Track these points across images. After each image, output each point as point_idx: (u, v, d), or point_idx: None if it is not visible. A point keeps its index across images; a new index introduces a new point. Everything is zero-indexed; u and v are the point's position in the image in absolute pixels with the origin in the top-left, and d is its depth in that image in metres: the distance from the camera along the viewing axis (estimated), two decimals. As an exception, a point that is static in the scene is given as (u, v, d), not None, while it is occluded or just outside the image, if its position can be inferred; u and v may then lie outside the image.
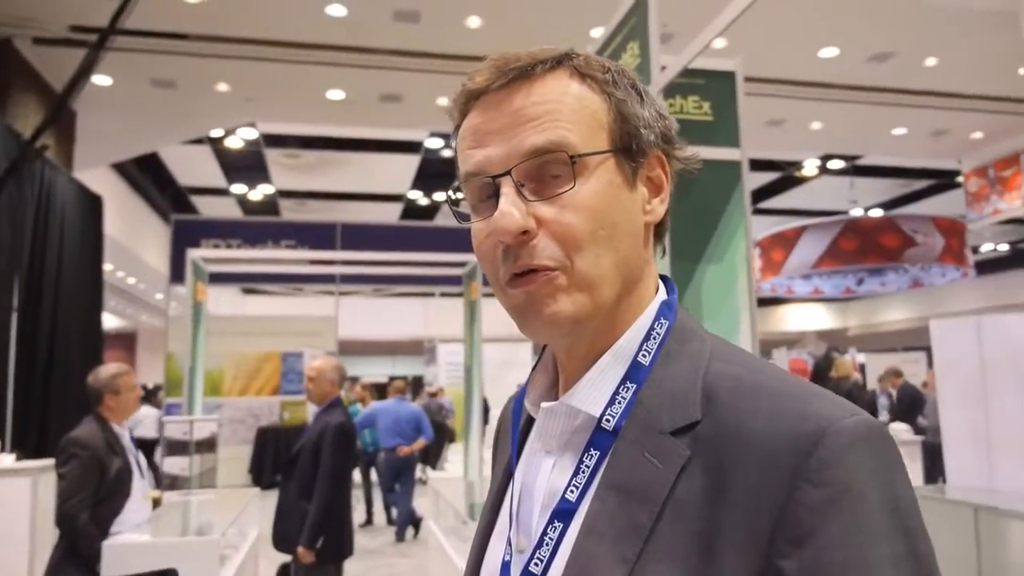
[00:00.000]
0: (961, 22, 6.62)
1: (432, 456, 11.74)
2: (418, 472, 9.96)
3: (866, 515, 0.54)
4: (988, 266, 18.36)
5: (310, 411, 10.61)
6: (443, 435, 12.32)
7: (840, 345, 18.32)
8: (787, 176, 12.52)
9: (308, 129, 10.13)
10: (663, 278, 0.75)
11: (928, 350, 7.56)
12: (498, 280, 0.68)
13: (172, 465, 5.00)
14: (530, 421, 0.77)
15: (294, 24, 6.67)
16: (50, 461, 4.78)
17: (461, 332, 7.78)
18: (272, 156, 11.31)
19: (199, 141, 10.24)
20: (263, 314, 14.61)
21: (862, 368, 13.88)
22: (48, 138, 6.74)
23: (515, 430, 0.79)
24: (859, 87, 7.98)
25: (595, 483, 0.64)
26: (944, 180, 12.73)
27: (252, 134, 10.20)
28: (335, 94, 8.00)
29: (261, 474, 10.85)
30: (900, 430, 8.11)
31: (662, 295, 0.73)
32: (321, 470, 3.89)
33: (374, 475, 9.35)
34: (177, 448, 5.03)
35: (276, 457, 10.73)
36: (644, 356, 0.68)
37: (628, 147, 0.69)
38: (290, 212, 14.66)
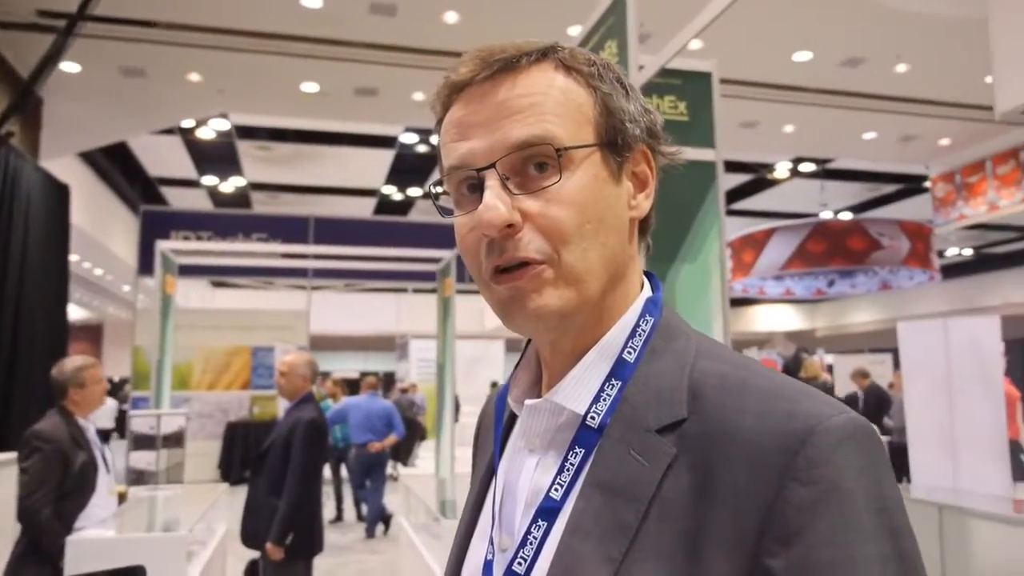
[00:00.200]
0: (931, 30, 6.73)
1: (403, 452, 11.71)
2: (389, 468, 9.92)
3: (854, 514, 0.53)
4: (953, 270, 18.73)
5: (280, 406, 10.54)
6: (414, 431, 12.28)
7: (808, 346, 18.58)
8: (759, 178, 12.65)
9: (281, 121, 10.01)
10: (648, 274, 0.75)
11: (894, 351, 7.68)
12: (481, 275, 0.67)
13: (138, 460, 4.90)
14: (512, 418, 0.76)
15: (268, 14, 6.59)
16: (12, 455, 4.68)
17: (433, 328, 7.74)
18: (244, 148, 11.17)
19: (169, 131, 10.08)
20: (233, 308, 14.42)
21: (830, 369, 14.08)
22: (13, 125, 6.59)
23: (498, 427, 0.78)
24: (831, 91, 8.08)
25: (580, 481, 0.64)
26: (912, 185, 12.94)
27: (224, 125, 10.06)
28: (309, 86, 7.92)
29: (230, 469, 10.73)
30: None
31: (647, 291, 0.73)
32: (292, 466, 3.86)
33: (344, 471, 9.30)
34: (144, 442, 4.93)
35: (245, 452, 10.61)
36: (629, 353, 0.67)
37: (614, 141, 0.68)
38: (262, 205, 14.50)
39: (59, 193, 7.73)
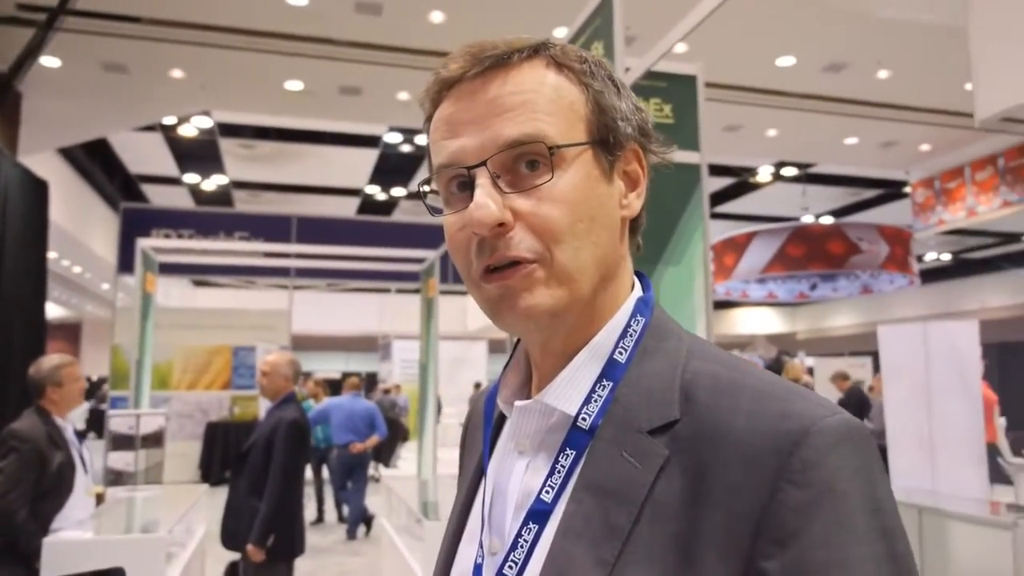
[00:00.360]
0: (912, 37, 6.81)
1: (385, 453, 11.66)
2: (371, 469, 9.88)
3: (848, 515, 0.53)
4: (932, 275, 18.94)
5: (262, 406, 10.46)
6: (396, 432, 12.24)
7: (789, 349, 18.72)
8: (742, 182, 12.73)
9: (265, 120, 9.94)
10: (639, 274, 0.74)
11: (874, 355, 7.76)
12: (471, 274, 0.66)
13: (117, 460, 4.84)
14: (502, 420, 0.75)
15: (253, 11, 6.54)
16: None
17: (416, 329, 7.71)
18: (227, 146, 11.08)
19: (151, 128, 9.98)
20: (214, 307, 14.31)
21: (811, 371, 14.19)
22: (-9, 120, 6.50)
23: (487, 429, 0.77)
24: (814, 96, 8.15)
25: (571, 483, 0.63)
26: (892, 190, 13.08)
27: (207, 123, 9.97)
28: (293, 85, 7.87)
29: (210, 470, 10.65)
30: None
31: (638, 291, 0.72)
32: (273, 466, 3.82)
33: (326, 472, 9.25)
34: (122, 443, 4.88)
35: (225, 453, 10.54)
36: (621, 353, 0.67)
37: (606, 139, 0.68)
38: (244, 203, 14.39)
39: (38, 189, 7.63)
